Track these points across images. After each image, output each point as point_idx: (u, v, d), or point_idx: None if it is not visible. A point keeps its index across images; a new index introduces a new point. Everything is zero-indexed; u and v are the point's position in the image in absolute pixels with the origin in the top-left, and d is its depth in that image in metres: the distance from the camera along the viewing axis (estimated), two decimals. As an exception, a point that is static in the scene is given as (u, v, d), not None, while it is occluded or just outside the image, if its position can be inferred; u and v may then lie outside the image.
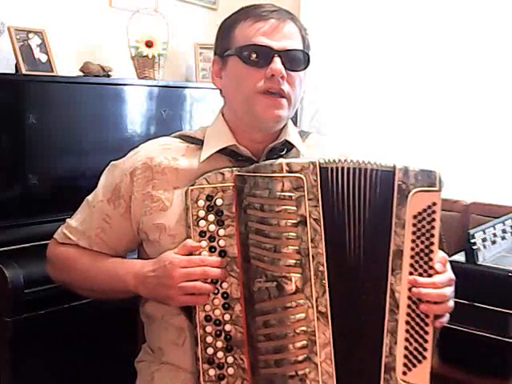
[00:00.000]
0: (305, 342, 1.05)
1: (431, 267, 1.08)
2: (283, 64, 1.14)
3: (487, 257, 1.74)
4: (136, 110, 2.04)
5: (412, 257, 1.07)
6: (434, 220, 1.07)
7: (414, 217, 1.07)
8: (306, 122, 2.83)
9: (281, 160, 1.08)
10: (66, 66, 2.03)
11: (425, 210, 1.07)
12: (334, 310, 1.06)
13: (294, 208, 1.06)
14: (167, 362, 1.20)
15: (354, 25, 2.69)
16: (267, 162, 1.11)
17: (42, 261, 1.30)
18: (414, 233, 1.07)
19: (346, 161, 1.09)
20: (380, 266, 1.08)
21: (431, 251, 1.07)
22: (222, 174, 1.11)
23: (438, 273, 1.09)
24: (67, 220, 1.28)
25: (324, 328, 1.05)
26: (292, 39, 1.17)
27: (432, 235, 1.07)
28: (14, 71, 1.86)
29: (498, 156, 2.36)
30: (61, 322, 1.57)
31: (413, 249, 1.07)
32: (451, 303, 1.11)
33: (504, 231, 1.93)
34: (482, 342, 1.54)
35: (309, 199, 1.06)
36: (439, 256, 1.10)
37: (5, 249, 1.60)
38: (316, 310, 1.05)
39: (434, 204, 1.07)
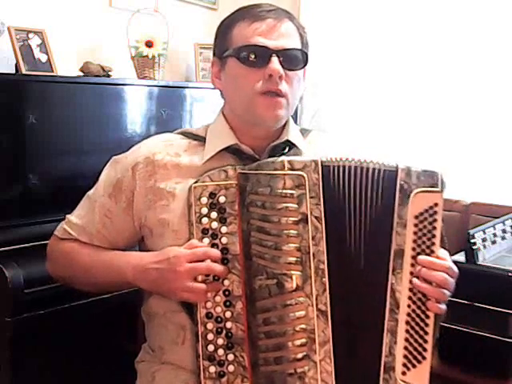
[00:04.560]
0: (304, 340, 1.05)
1: None
2: (281, 63, 1.14)
3: (487, 257, 1.74)
4: (136, 110, 2.04)
5: (413, 257, 1.07)
6: (435, 220, 1.06)
7: (416, 217, 1.06)
8: (306, 121, 2.83)
9: (283, 158, 1.09)
10: (66, 66, 2.02)
11: (426, 211, 1.06)
12: (334, 308, 1.06)
13: (296, 206, 1.06)
14: (167, 362, 1.19)
15: (355, 24, 2.68)
16: (269, 159, 1.11)
17: (42, 261, 1.30)
18: (415, 233, 1.07)
19: (347, 159, 1.09)
20: (381, 265, 1.07)
21: (432, 251, 1.07)
22: (226, 171, 1.11)
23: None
24: (67, 216, 1.28)
25: (323, 326, 1.05)
26: (289, 38, 1.17)
27: (433, 235, 1.07)
28: (14, 71, 1.86)
29: (498, 156, 2.36)
30: (61, 322, 1.57)
31: (414, 249, 1.07)
32: (448, 293, 1.08)
33: (504, 231, 1.92)
34: (482, 341, 1.54)
35: (310, 197, 1.07)
36: (441, 252, 1.09)
37: (5, 249, 1.59)
38: (316, 308, 1.05)
39: (436, 205, 1.06)
